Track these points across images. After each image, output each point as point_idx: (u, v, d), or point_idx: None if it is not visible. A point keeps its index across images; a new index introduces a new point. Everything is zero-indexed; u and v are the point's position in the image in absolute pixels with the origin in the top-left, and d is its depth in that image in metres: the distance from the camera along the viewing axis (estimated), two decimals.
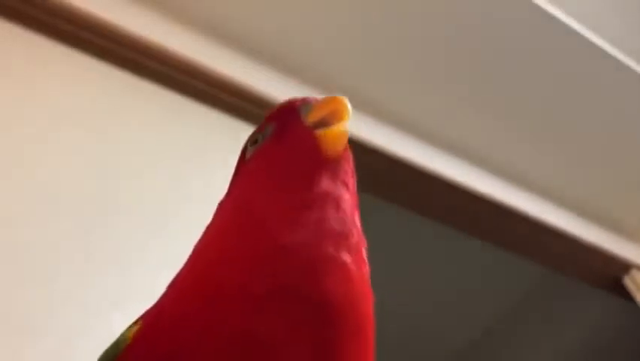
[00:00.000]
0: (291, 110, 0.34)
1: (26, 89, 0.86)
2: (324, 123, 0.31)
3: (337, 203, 0.30)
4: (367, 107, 1.28)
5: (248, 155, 0.35)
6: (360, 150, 1.22)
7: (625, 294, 1.52)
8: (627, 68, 1.36)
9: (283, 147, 0.33)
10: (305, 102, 0.34)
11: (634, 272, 1.52)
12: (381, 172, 1.27)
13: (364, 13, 1.21)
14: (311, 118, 0.32)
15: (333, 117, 0.31)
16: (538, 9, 1.24)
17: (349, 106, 0.31)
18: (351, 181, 0.32)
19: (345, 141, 0.31)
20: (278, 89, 1.14)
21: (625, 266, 1.53)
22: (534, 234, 1.45)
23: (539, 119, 1.42)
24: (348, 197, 0.31)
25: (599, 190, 1.55)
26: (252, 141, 0.36)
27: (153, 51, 1.01)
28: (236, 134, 1.04)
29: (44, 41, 0.93)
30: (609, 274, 1.54)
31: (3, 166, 0.75)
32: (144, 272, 0.72)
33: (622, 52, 1.35)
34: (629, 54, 1.36)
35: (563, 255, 1.51)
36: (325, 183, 0.30)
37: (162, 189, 0.86)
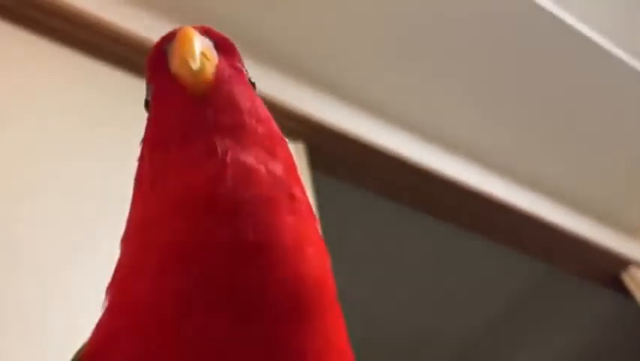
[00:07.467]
0: (158, 60, 0.31)
1: (23, 88, 0.86)
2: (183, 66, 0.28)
3: (231, 147, 0.26)
4: (367, 105, 1.28)
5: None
6: (357, 147, 1.22)
7: (623, 290, 1.52)
8: (628, 67, 1.36)
9: (156, 108, 0.30)
10: (168, 42, 0.30)
11: (632, 269, 1.53)
12: (380, 170, 1.27)
13: (367, 12, 1.21)
14: (171, 66, 0.29)
15: (184, 55, 0.27)
16: (543, 10, 1.24)
17: (193, 36, 0.28)
18: (240, 114, 0.28)
19: (205, 71, 0.27)
20: (279, 89, 1.13)
21: (623, 263, 1.54)
22: (533, 231, 1.45)
23: (540, 117, 1.42)
24: (238, 146, 0.26)
25: (597, 187, 1.55)
26: (145, 104, 0.33)
27: (150, 50, 1.01)
28: None
29: (40, 40, 0.92)
30: (608, 271, 1.55)
31: (1, 166, 0.74)
32: None
33: (624, 51, 1.35)
34: (630, 53, 1.36)
35: (562, 252, 1.51)
36: (202, 136, 0.26)
37: None
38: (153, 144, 0.29)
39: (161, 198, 0.26)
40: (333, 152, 1.21)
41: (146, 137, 0.30)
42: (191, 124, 0.27)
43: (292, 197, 0.27)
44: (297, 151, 1.10)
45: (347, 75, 1.26)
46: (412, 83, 1.31)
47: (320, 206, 1.00)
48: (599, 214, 1.56)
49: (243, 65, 0.33)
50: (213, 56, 0.29)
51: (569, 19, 1.28)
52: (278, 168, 0.27)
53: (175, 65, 0.28)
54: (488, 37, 1.27)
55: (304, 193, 0.28)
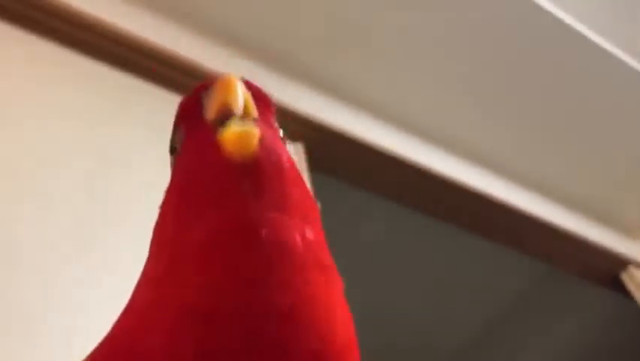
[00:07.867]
0: (193, 107, 0.29)
1: (23, 88, 0.86)
2: (223, 117, 0.25)
3: (263, 224, 0.24)
4: (367, 105, 1.28)
5: (170, 167, 0.30)
6: (357, 148, 1.22)
7: (623, 290, 1.52)
8: (628, 67, 1.36)
9: (188, 161, 0.28)
10: (205, 90, 0.28)
11: (631, 269, 1.53)
12: (380, 171, 1.27)
13: (366, 12, 1.21)
14: (209, 114, 0.27)
15: (226, 111, 0.25)
16: (542, 10, 1.24)
17: (239, 92, 0.26)
18: (281, 181, 0.26)
19: (251, 136, 0.24)
20: (279, 90, 1.13)
21: (622, 263, 1.54)
22: (533, 231, 1.45)
23: (539, 117, 1.42)
24: (277, 213, 0.24)
25: (596, 187, 1.55)
26: (171, 149, 0.31)
27: (149, 51, 1.01)
28: None
29: (40, 40, 0.92)
30: (607, 271, 1.55)
31: (1, 166, 0.74)
32: None
33: (624, 51, 1.35)
34: (630, 53, 1.36)
35: (562, 252, 1.51)
36: (239, 201, 0.24)
37: (161, 188, 0.86)
38: (180, 202, 0.27)
39: (185, 252, 0.25)
40: (333, 152, 1.21)
41: (173, 190, 0.28)
42: (230, 189, 0.24)
43: (323, 264, 0.26)
44: (296, 151, 1.10)
45: (347, 75, 1.26)
46: (412, 83, 1.31)
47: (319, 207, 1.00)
48: (598, 214, 1.56)
49: (276, 121, 0.31)
50: (254, 110, 0.27)
51: (568, 19, 1.28)
52: (311, 235, 0.25)
53: (213, 110, 0.26)
54: (488, 38, 1.27)
55: (331, 257, 0.27)
